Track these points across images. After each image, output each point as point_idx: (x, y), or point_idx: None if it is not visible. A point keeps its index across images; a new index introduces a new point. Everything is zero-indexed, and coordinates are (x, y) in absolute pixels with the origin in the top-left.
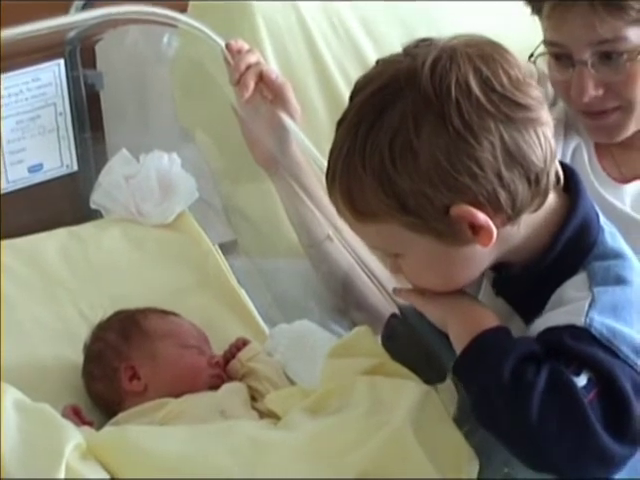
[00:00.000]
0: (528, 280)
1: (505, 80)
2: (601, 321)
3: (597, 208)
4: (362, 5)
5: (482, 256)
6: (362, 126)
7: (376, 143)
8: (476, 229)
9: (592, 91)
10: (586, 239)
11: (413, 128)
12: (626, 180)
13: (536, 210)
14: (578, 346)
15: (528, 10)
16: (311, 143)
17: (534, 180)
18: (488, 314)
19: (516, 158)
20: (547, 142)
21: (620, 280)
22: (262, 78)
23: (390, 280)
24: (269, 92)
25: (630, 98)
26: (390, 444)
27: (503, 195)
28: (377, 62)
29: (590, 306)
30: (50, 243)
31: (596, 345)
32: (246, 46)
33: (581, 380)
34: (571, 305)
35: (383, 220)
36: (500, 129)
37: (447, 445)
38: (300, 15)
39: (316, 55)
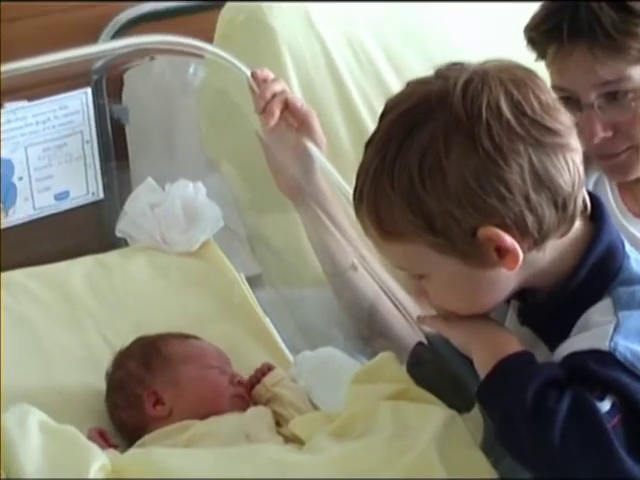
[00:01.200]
0: (553, 306)
1: (536, 104)
2: (626, 345)
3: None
4: (384, 34)
5: (507, 280)
6: (391, 145)
7: (405, 163)
8: (502, 252)
9: (601, 133)
10: (611, 265)
11: (443, 148)
12: None
13: (562, 236)
14: (602, 371)
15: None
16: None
17: (561, 205)
18: (512, 339)
19: (544, 182)
20: (575, 168)
21: None
22: (287, 106)
23: (416, 309)
24: (294, 120)
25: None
26: (415, 468)
27: (530, 218)
28: (408, 84)
29: (615, 330)
30: (75, 270)
31: (620, 370)
32: (271, 75)
33: (605, 405)
34: (596, 329)
35: (410, 240)
36: (529, 152)
37: (472, 470)
38: (323, 43)
39: (339, 84)
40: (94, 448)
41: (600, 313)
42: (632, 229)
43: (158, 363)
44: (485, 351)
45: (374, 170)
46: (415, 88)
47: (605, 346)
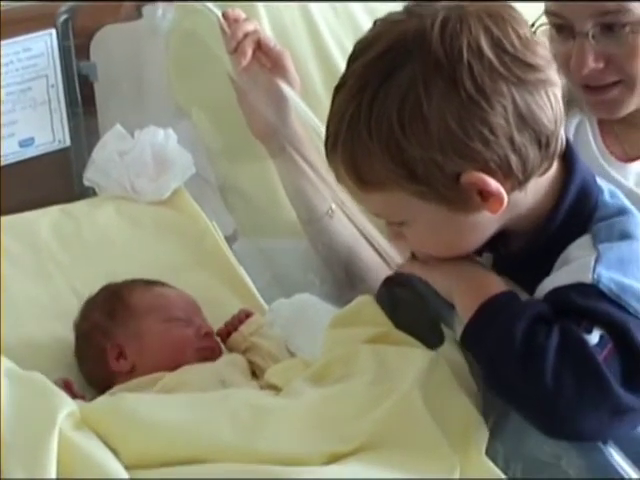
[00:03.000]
0: (534, 250)
1: (516, 40)
2: (609, 276)
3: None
4: None
5: (489, 223)
6: (368, 91)
7: (383, 109)
8: (485, 196)
9: (592, 63)
10: (588, 202)
11: (423, 92)
12: (629, 159)
13: (543, 175)
14: (587, 303)
15: None
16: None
17: (545, 143)
18: (495, 279)
19: (528, 121)
20: (557, 104)
21: (625, 235)
22: (260, 46)
23: (395, 253)
24: (267, 60)
25: (631, 72)
26: (398, 411)
27: (514, 160)
28: (375, 23)
29: (596, 262)
30: (42, 221)
31: (605, 301)
32: (243, 15)
33: (593, 337)
34: (576, 263)
35: (389, 189)
36: (512, 92)
37: (456, 412)
38: None
39: (314, 30)
40: (62, 395)
41: (579, 248)
42: (614, 173)
43: (121, 314)
44: (468, 293)
45: (349, 118)
46: (386, 28)
47: (588, 279)
